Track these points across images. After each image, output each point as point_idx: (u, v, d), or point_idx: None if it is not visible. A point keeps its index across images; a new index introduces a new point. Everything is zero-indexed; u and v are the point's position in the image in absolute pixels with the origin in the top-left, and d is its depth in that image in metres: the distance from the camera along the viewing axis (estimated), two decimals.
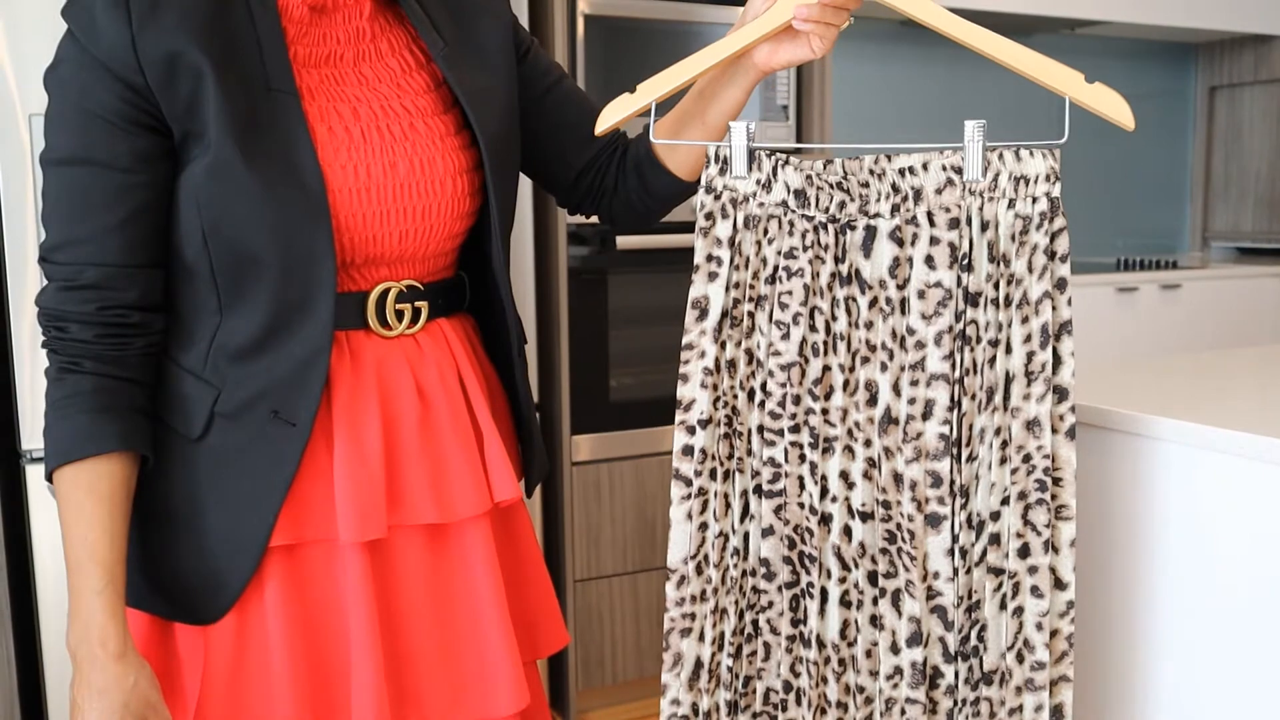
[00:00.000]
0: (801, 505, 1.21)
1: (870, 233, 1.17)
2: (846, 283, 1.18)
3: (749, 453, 1.22)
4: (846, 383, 1.19)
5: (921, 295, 1.16)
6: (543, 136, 1.31)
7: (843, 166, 1.19)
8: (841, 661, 1.23)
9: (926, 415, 1.16)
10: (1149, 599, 1.45)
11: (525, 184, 2.52)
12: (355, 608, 1.10)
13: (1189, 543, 1.40)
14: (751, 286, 1.20)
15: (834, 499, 1.20)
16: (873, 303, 1.18)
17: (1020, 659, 1.19)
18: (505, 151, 1.21)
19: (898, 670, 1.20)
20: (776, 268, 1.19)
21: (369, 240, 1.11)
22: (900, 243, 1.16)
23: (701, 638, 1.21)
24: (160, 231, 1.08)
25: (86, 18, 1.03)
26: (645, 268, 2.71)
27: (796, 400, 1.19)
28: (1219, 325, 4.12)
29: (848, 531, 1.21)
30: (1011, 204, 1.15)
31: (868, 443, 1.18)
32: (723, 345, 1.19)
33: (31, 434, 2.01)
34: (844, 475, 1.19)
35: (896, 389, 1.18)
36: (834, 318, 1.19)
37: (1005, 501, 1.18)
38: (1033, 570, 1.17)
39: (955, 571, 1.18)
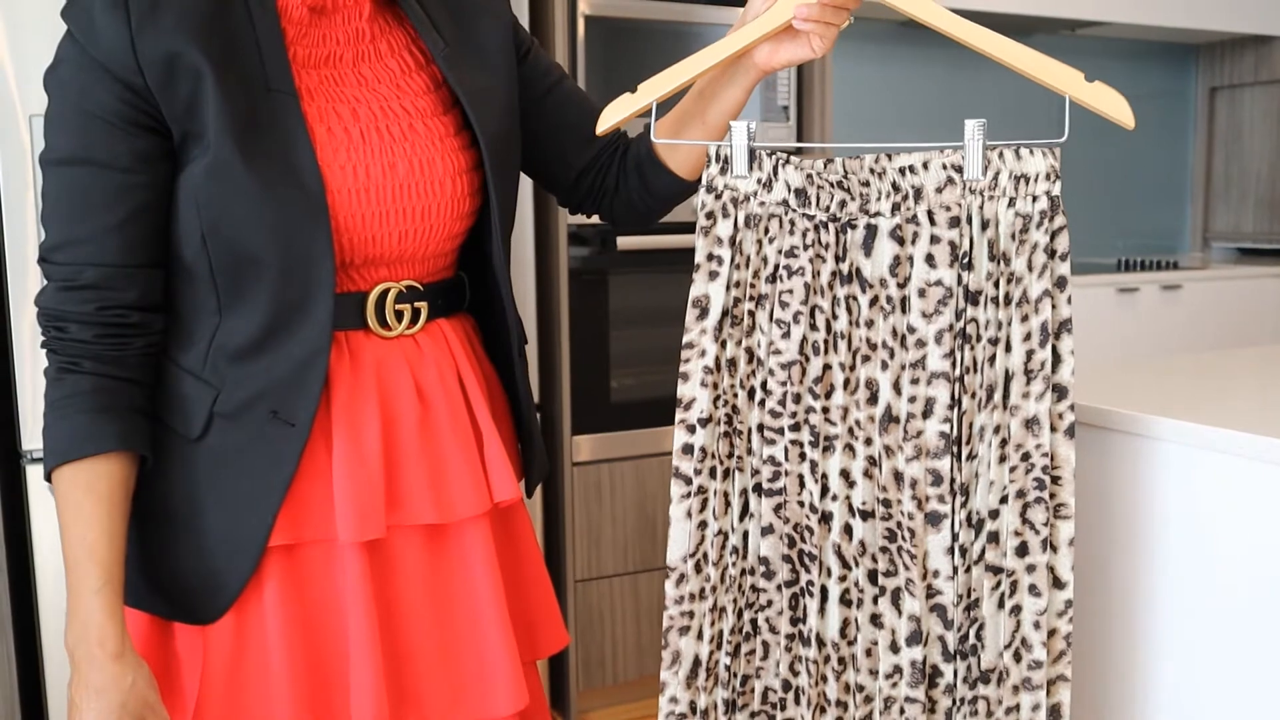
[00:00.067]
0: (802, 504, 1.21)
1: (871, 231, 1.17)
2: (847, 281, 1.18)
3: (749, 451, 1.22)
4: (847, 381, 1.19)
5: (922, 294, 1.16)
6: (543, 137, 1.31)
7: (843, 165, 1.19)
8: (841, 660, 1.23)
9: (927, 413, 1.16)
10: (1149, 599, 1.45)
11: (526, 184, 2.52)
12: (354, 608, 1.10)
13: (1189, 543, 1.40)
14: (752, 285, 1.20)
15: (834, 497, 1.20)
16: (873, 301, 1.18)
17: (1018, 658, 1.19)
18: (506, 151, 1.21)
19: (897, 669, 1.20)
20: (777, 266, 1.19)
21: (368, 241, 1.11)
22: (901, 241, 1.16)
23: (700, 636, 1.21)
24: (160, 232, 1.08)
25: (86, 19, 1.03)
26: (646, 268, 2.71)
27: (797, 399, 1.19)
28: (1220, 326, 4.12)
29: (848, 530, 1.21)
30: (1012, 202, 1.15)
31: (868, 441, 1.18)
32: (723, 344, 1.19)
33: (32, 434, 2.01)
34: (844, 473, 1.19)
35: (897, 387, 1.18)
36: (834, 316, 1.19)
37: (1004, 500, 1.17)
38: (1031, 569, 1.17)
39: (955, 570, 1.18)
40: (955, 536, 1.17)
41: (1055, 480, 1.18)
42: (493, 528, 1.24)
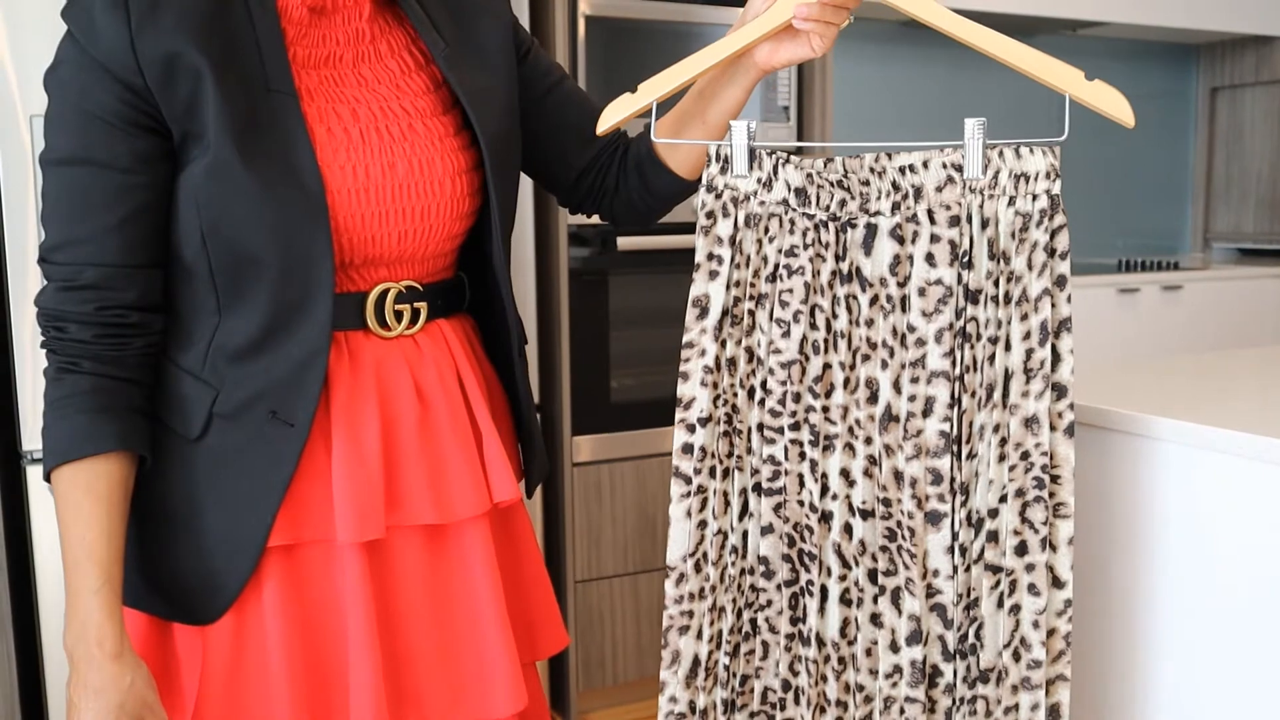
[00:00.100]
0: (801, 503, 1.21)
1: (871, 230, 1.17)
2: (847, 280, 1.18)
3: (749, 451, 1.22)
4: (847, 380, 1.19)
5: (922, 292, 1.15)
6: (544, 137, 1.31)
7: (843, 165, 1.19)
8: (841, 660, 1.23)
9: (927, 412, 1.16)
10: (1148, 599, 1.45)
11: (526, 185, 2.52)
12: (353, 608, 1.10)
13: (1189, 543, 1.40)
14: (752, 284, 1.20)
15: (834, 496, 1.20)
16: (873, 300, 1.18)
17: (1017, 657, 1.19)
18: (506, 151, 1.21)
19: (897, 669, 1.19)
20: (777, 266, 1.19)
21: (368, 241, 1.11)
22: (901, 240, 1.16)
23: (699, 635, 1.21)
24: (159, 232, 1.08)
25: (86, 19, 1.03)
26: (646, 269, 2.71)
27: (797, 398, 1.19)
28: (1220, 326, 4.12)
29: (848, 529, 1.21)
30: (1012, 201, 1.15)
31: (868, 440, 1.18)
32: (723, 343, 1.19)
33: (32, 434, 2.01)
34: (844, 473, 1.19)
35: (897, 386, 1.18)
36: (834, 315, 1.19)
37: (1003, 499, 1.17)
38: (1030, 568, 1.17)
39: (955, 569, 1.18)
40: (955, 535, 1.17)
41: (1055, 479, 1.18)
42: (492, 528, 1.24)
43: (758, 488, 1.22)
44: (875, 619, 1.21)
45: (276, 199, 1.04)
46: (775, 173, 1.18)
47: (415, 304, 1.17)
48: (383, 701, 1.10)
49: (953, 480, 1.17)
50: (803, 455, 1.20)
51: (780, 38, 1.19)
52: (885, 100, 4.15)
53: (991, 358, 1.16)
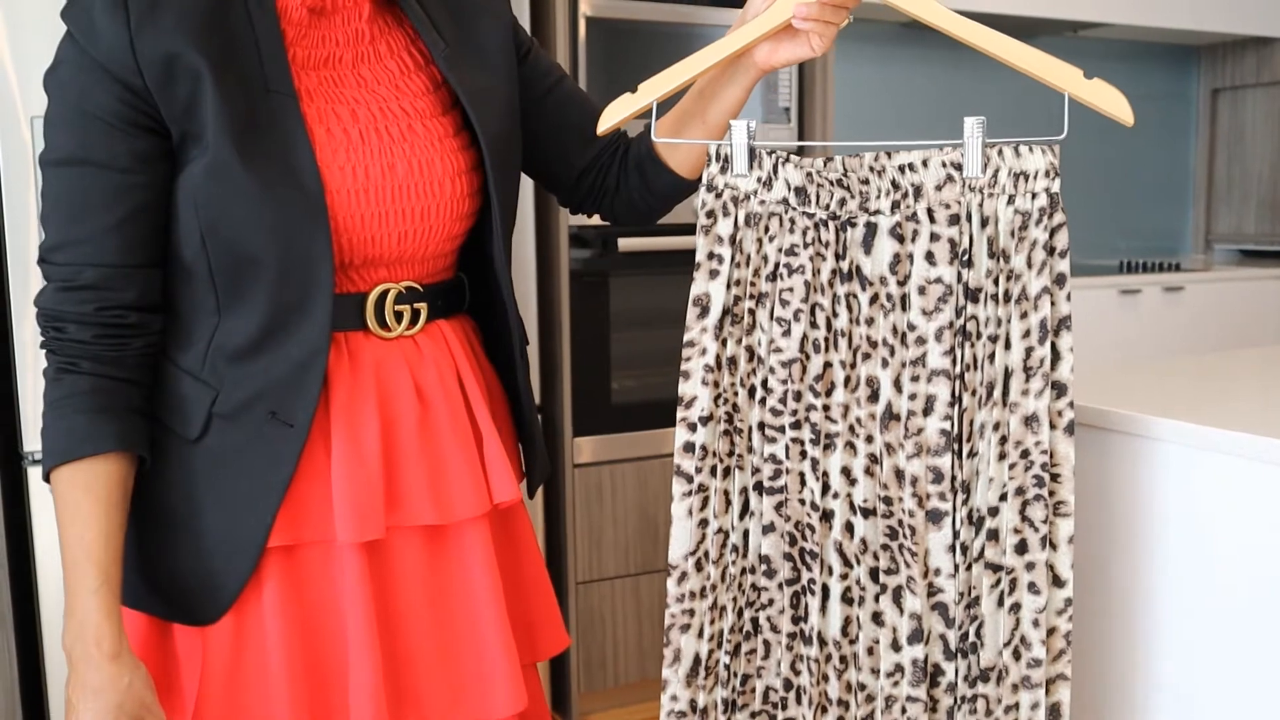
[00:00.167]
0: (803, 501, 1.21)
1: (871, 229, 1.17)
2: (847, 279, 1.18)
3: (749, 449, 1.22)
4: (848, 379, 1.19)
5: (922, 291, 1.15)
6: (544, 137, 1.31)
7: (843, 164, 1.19)
8: (843, 659, 1.23)
9: (927, 411, 1.16)
10: (1149, 599, 1.45)
11: (526, 186, 2.52)
12: (353, 609, 1.10)
13: (1189, 543, 1.40)
14: (752, 284, 1.20)
15: (835, 495, 1.20)
16: (873, 299, 1.18)
17: (1017, 656, 1.19)
18: (506, 151, 1.21)
19: (899, 668, 1.19)
20: (777, 265, 1.19)
21: (367, 241, 1.11)
22: (900, 239, 1.16)
23: (700, 634, 1.21)
24: (159, 232, 1.08)
25: (85, 19, 1.03)
26: (647, 270, 2.71)
27: (798, 397, 1.19)
28: (1222, 328, 4.12)
29: (849, 528, 1.20)
30: (1011, 200, 1.14)
31: (869, 439, 1.18)
32: (724, 342, 1.19)
33: (33, 435, 2.01)
34: (845, 471, 1.19)
35: (897, 385, 1.17)
36: (835, 314, 1.19)
37: (1004, 497, 1.17)
38: (1030, 566, 1.17)
39: (956, 568, 1.18)
40: (956, 534, 1.17)
41: (1055, 478, 1.17)
42: (492, 529, 1.24)
43: (759, 486, 1.22)
44: (877, 618, 1.21)
45: (276, 199, 1.04)
46: (775, 172, 1.18)
47: (415, 305, 1.17)
48: (382, 702, 1.10)
49: (953, 478, 1.17)
50: (804, 454, 1.20)
51: (780, 37, 1.19)
52: (885, 101, 4.16)
53: (991, 356, 1.16)
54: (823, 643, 1.23)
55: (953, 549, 1.17)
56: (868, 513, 1.19)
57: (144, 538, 1.13)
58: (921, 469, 1.16)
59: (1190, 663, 1.40)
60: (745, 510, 1.23)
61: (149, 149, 1.05)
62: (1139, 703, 1.47)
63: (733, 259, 1.18)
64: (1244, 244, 4.78)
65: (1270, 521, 1.30)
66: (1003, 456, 1.17)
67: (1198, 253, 4.97)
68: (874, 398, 1.18)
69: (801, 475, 1.20)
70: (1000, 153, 1.14)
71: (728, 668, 1.24)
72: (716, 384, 1.19)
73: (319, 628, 1.12)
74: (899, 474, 1.18)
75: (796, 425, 1.19)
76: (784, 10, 1.15)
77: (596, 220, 2.59)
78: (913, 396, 1.16)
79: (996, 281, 1.15)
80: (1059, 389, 1.16)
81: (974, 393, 1.16)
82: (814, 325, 1.19)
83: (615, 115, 1.21)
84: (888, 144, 1.14)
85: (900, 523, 1.18)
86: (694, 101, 1.26)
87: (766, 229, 1.19)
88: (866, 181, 1.18)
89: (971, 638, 1.20)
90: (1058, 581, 1.18)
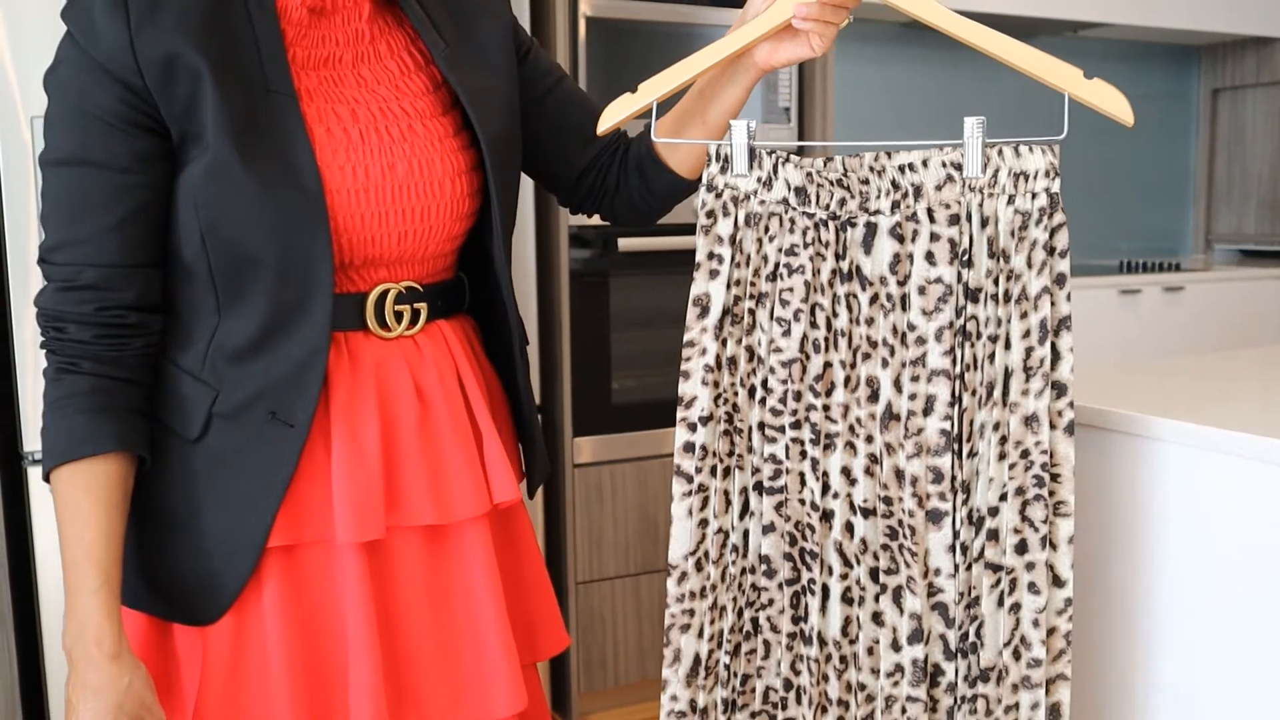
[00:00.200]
0: (803, 501, 1.21)
1: (871, 229, 1.17)
2: (847, 279, 1.18)
3: (749, 449, 1.22)
4: (848, 379, 1.19)
5: (922, 291, 1.15)
6: (544, 137, 1.31)
7: (843, 164, 1.19)
8: (843, 659, 1.23)
9: (927, 411, 1.16)
10: (1148, 599, 1.45)
11: (527, 186, 2.52)
12: (353, 608, 1.10)
13: (1189, 543, 1.40)
14: (752, 284, 1.20)
15: (835, 495, 1.20)
16: (873, 299, 1.18)
17: (1017, 656, 1.18)
18: (506, 151, 1.21)
19: (899, 668, 1.19)
20: (777, 265, 1.19)
21: (367, 241, 1.11)
22: (900, 239, 1.16)
23: (700, 634, 1.21)
24: (159, 232, 1.08)
25: (85, 19, 1.03)
26: (647, 270, 2.71)
27: (798, 397, 1.19)
28: (1222, 328, 4.12)
29: (849, 528, 1.20)
30: (1011, 200, 1.14)
31: (869, 439, 1.18)
32: (724, 342, 1.19)
33: (33, 435, 2.01)
34: (845, 471, 1.19)
35: (898, 385, 1.17)
36: (835, 314, 1.19)
37: (1004, 497, 1.17)
38: (1030, 566, 1.17)
39: (956, 568, 1.17)
40: (956, 534, 1.17)
41: (1055, 478, 1.17)
42: (492, 529, 1.24)
43: (759, 486, 1.22)
44: (877, 617, 1.21)
45: (276, 199, 1.04)
46: (775, 172, 1.18)
47: (415, 305, 1.17)
48: (382, 702, 1.10)
49: (953, 478, 1.17)
50: (804, 454, 1.20)
51: (780, 37, 1.19)
52: (886, 102, 4.16)
53: (991, 356, 1.16)
54: (823, 643, 1.23)
55: (953, 549, 1.17)
56: (868, 513, 1.19)
57: (144, 538, 1.13)
58: (921, 469, 1.16)
59: (1190, 663, 1.40)
60: (745, 510, 1.23)
61: (149, 149, 1.05)
62: (1139, 703, 1.47)
63: (733, 259, 1.18)
64: (1244, 244, 4.78)
65: (1270, 521, 1.30)
66: (1003, 456, 1.17)
67: (1198, 253, 4.97)
68: (874, 398, 1.18)
69: (801, 475, 1.20)
70: (1000, 153, 1.14)
71: (728, 668, 1.24)
72: (716, 384, 1.19)
73: (319, 628, 1.12)
74: (899, 474, 1.18)
75: (796, 425, 1.19)
76: (784, 10, 1.15)
77: (596, 220, 2.59)
78: (913, 396, 1.16)
79: (996, 281, 1.15)
80: (1059, 389, 1.16)
81: (974, 393, 1.16)
82: (814, 325, 1.19)
83: (615, 115, 1.21)
84: (888, 144, 1.14)
85: (900, 523, 1.18)
86: (694, 101, 1.26)
87: (766, 229, 1.19)
88: (866, 181, 1.18)
89: (971, 638, 1.20)
90: (1058, 581, 1.18)
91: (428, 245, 1.16)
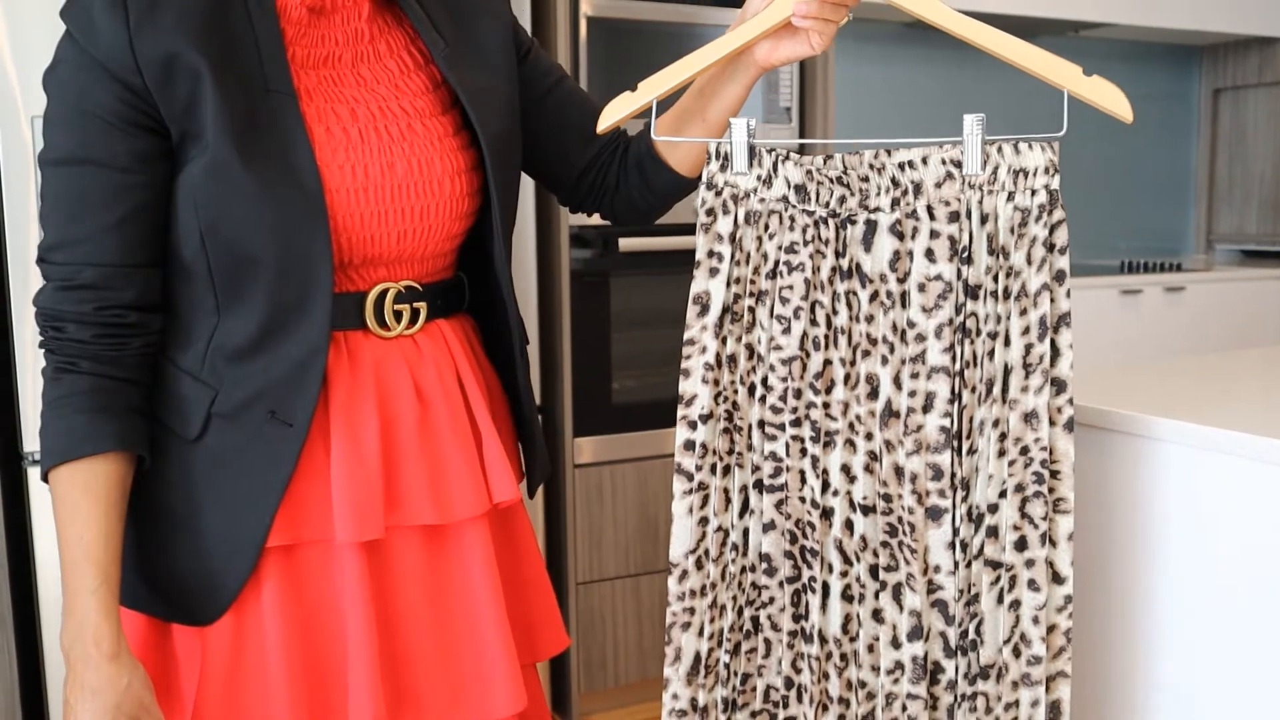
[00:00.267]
0: (803, 499, 1.21)
1: (870, 227, 1.17)
2: (847, 277, 1.18)
3: (749, 448, 1.22)
4: (847, 376, 1.19)
5: (922, 288, 1.15)
6: (544, 137, 1.31)
7: (842, 161, 1.19)
8: (843, 657, 1.23)
9: (927, 408, 1.16)
10: (1149, 598, 1.44)
11: (527, 185, 2.52)
12: (352, 608, 1.10)
13: (1189, 543, 1.39)
14: (752, 281, 1.20)
15: (835, 493, 1.19)
16: (873, 296, 1.18)
17: (1017, 653, 1.18)
18: (506, 151, 1.21)
19: (899, 665, 1.19)
20: (777, 262, 1.19)
21: (367, 240, 1.11)
22: (900, 236, 1.16)
23: (701, 632, 1.21)
24: (158, 231, 1.08)
25: (85, 19, 1.03)
26: (647, 270, 2.71)
27: (798, 394, 1.19)
28: (1223, 328, 4.11)
29: (849, 525, 1.20)
30: (1010, 197, 1.14)
31: (869, 436, 1.18)
32: (724, 340, 1.19)
33: (33, 435, 2.01)
34: (845, 469, 1.19)
35: (897, 382, 1.17)
36: (835, 312, 1.19)
37: (1003, 494, 1.17)
38: (1030, 564, 1.17)
39: (955, 565, 1.17)
40: (956, 531, 1.17)
41: (1054, 475, 1.17)
42: (492, 529, 1.23)
43: (759, 484, 1.22)
44: (877, 615, 1.21)
45: (275, 199, 1.04)
46: (775, 170, 1.18)
47: (415, 304, 1.17)
48: (381, 702, 1.10)
49: (953, 475, 1.17)
50: (804, 451, 1.20)
51: (780, 35, 1.19)
52: (886, 101, 4.16)
53: (991, 353, 1.16)
54: (823, 640, 1.23)
55: (952, 546, 1.17)
56: (867, 510, 1.19)
57: (143, 538, 1.13)
58: (921, 466, 1.16)
59: (1190, 663, 1.40)
60: (745, 508, 1.23)
61: (148, 148, 1.05)
62: (1139, 702, 1.47)
63: (733, 257, 1.18)
64: (1245, 244, 4.78)
65: (1271, 521, 1.30)
66: (1002, 453, 1.17)
67: (1199, 253, 4.97)
68: (874, 395, 1.18)
69: (801, 473, 1.20)
70: (1000, 150, 1.14)
71: (728, 666, 1.24)
72: (716, 382, 1.19)
73: (318, 627, 1.12)
74: (899, 471, 1.18)
75: (796, 423, 1.19)
76: (784, 8, 1.15)
77: (597, 220, 2.59)
78: (912, 393, 1.16)
79: (996, 278, 1.15)
80: (1058, 385, 1.16)
81: (973, 389, 1.16)
82: (814, 323, 1.19)
83: (615, 114, 1.21)
84: (887, 141, 1.14)
85: (900, 520, 1.18)
86: (694, 100, 1.26)
87: (766, 226, 1.19)
88: (866, 179, 1.18)
89: (971, 635, 1.20)
90: (1057, 578, 1.18)
91: (427, 244, 1.15)
